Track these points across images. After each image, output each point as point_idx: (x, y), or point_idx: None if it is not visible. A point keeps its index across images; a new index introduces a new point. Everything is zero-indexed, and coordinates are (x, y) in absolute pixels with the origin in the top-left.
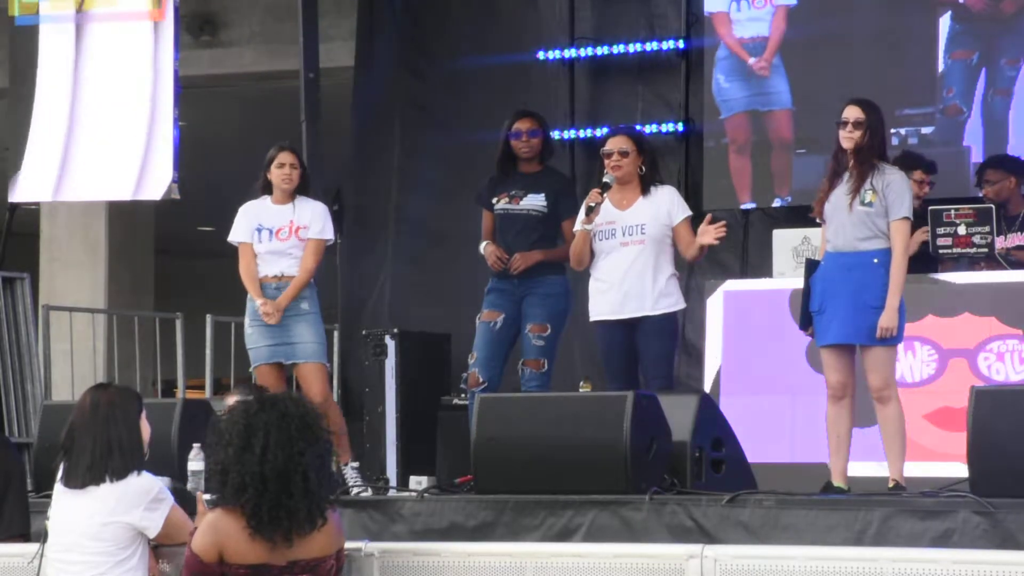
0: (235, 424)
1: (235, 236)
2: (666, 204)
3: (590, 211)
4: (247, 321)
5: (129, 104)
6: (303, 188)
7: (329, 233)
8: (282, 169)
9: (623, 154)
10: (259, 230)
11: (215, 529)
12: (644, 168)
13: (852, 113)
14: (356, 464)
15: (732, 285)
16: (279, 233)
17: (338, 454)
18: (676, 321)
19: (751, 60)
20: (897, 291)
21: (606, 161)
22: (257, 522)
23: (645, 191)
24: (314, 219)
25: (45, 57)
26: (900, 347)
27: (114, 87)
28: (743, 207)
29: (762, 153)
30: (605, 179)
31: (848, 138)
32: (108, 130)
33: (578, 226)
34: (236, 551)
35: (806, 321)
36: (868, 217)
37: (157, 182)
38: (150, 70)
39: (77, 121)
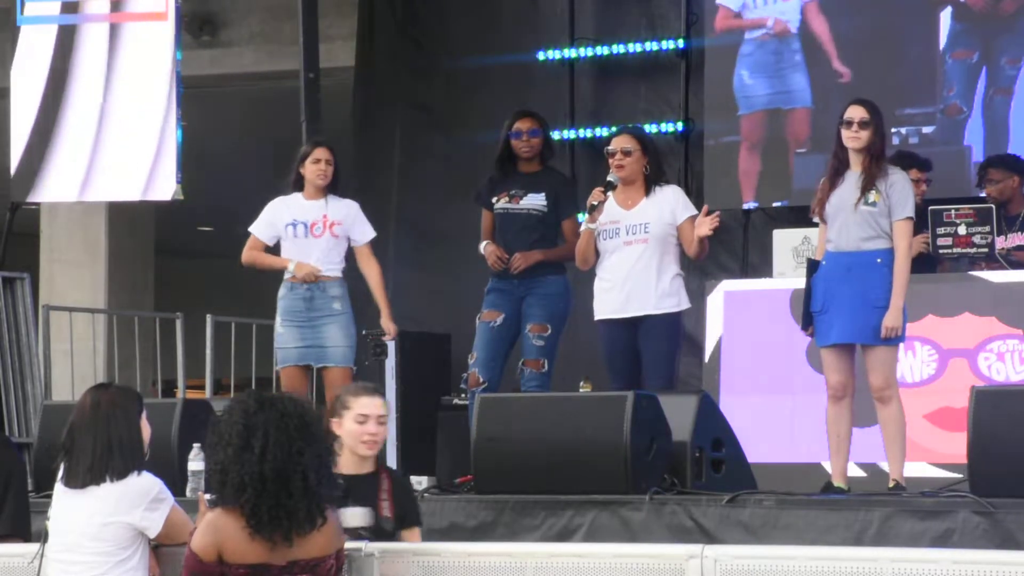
0: (234, 424)
1: (254, 227)
2: (670, 203)
3: (592, 210)
4: (278, 320)
5: (113, 105)
6: (334, 186)
7: (371, 232)
8: (318, 165)
9: (626, 153)
10: (293, 224)
11: (214, 529)
12: (649, 168)
13: (857, 113)
14: None
15: (732, 285)
16: (314, 228)
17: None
18: (679, 322)
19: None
20: (901, 290)
21: (610, 160)
22: (256, 522)
23: (649, 190)
24: (355, 221)
25: (25, 57)
26: (900, 347)
27: (100, 88)
28: (745, 206)
29: (772, 152)
30: (609, 178)
31: (854, 138)
32: (92, 131)
33: (585, 225)
34: (235, 551)
35: (807, 321)
36: (871, 217)
37: (158, 183)
38: (141, 71)
39: (58, 122)
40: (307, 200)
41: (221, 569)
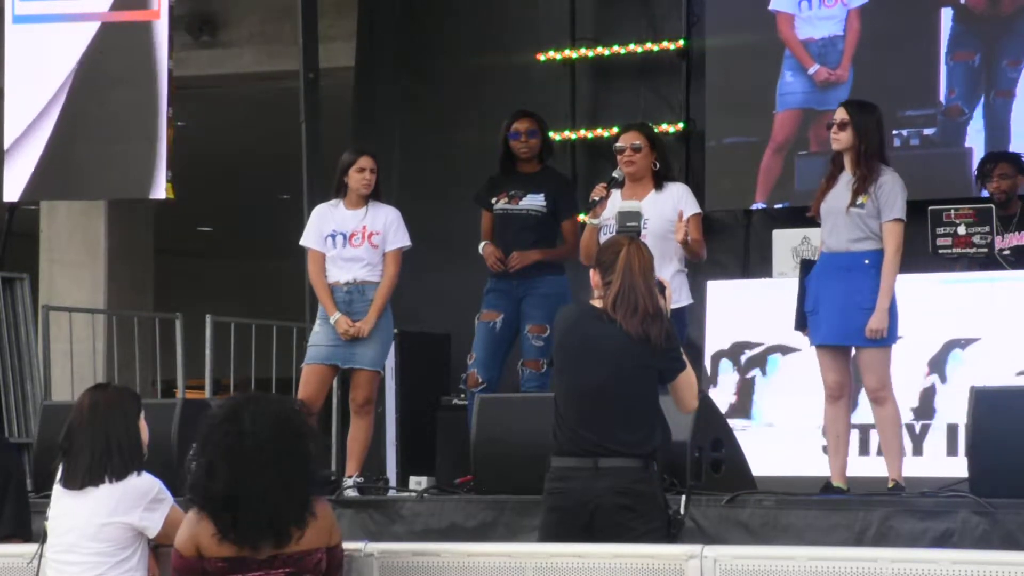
0: (208, 440)
1: (305, 240)
2: (675, 200)
3: (594, 205)
4: (317, 320)
5: (105, 104)
6: (375, 193)
7: (404, 240)
8: (362, 174)
9: (635, 149)
10: (333, 235)
11: (191, 524)
12: (658, 164)
13: (838, 115)
14: (361, 479)
15: (732, 285)
16: (352, 239)
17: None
18: (679, 318)
19: (813, 68)
20: (887, 292)
21: (618, 157)
22: (224, 536)
23: (657, 187)
24: (388, 228)
25: (16, 56)
26: (894, 347)
27: (92, 88)
28: (753, 207)
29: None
30: (614, 174)
31: (834, 140)
32: (84, 130)
33: (588, 221)
34: (210, 546)
35: (801, 321)
36: (860, 218)
37: (150, 182)
38: (133, 70)
39: (51, 121)
40: (348, 210)
41: (202, 564)
